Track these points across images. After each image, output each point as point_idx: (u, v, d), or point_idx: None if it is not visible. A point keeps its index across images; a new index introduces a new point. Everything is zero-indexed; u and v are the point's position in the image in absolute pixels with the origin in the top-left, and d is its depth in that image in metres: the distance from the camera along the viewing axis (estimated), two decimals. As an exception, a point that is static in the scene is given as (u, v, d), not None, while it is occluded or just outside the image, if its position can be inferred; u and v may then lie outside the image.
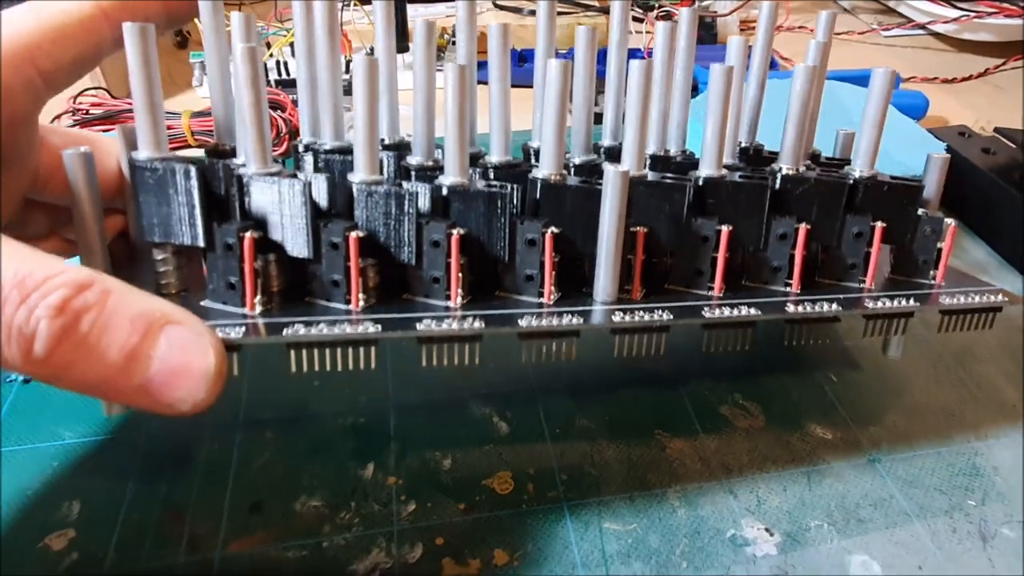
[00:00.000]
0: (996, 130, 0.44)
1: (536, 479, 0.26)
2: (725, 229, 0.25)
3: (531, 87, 0.28)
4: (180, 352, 0.17)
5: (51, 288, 0.15)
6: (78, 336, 0.15)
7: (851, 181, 0.27)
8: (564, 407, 0.29)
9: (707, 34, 0.60)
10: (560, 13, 0.62)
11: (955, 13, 0.58)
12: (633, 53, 0.47)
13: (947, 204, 0.41)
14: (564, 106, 0.23)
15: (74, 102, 0.48)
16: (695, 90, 0.47)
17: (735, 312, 0.25)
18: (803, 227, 0.26)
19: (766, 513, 0.25)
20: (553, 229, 0.23)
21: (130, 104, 0.45)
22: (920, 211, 0.28)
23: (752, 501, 0.26)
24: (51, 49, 0.21)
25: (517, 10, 0.64)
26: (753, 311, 0.25)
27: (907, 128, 0.42)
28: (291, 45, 0.54)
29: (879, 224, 0.26)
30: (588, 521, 0.25)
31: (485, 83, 0.27)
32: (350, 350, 0.22)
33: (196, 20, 0.25)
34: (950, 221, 0.27)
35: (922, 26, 0.62)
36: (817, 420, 0.29)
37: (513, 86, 0.27)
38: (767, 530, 0.25)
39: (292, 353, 0.22)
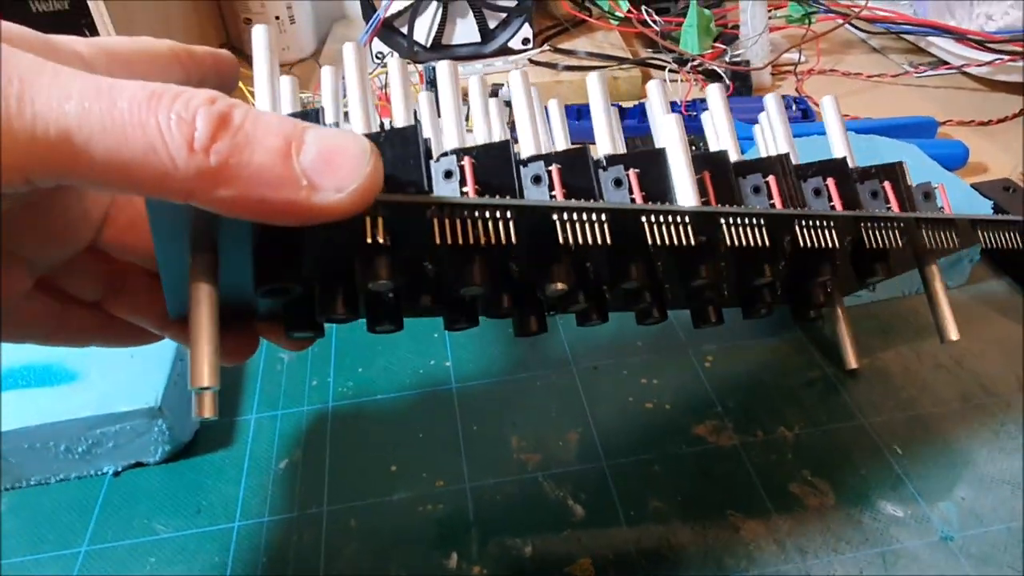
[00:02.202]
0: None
1: (616, 565, 0.27)
2: None
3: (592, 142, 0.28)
4: (331, 137, 0.16)
5: (194, 93, 0.15)
6: (234, 127, 0.15)
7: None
8: (635, 485, 0.30)
9: (742, 86, 0.61)
10: (593, 67, 0.64)
11: (988, 57, 0.58)
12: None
13: (996, 261, 0.41)
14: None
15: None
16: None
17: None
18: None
19: (845, 598, 0.26)
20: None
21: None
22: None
23: (830, 585, 0.26)
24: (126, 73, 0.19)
25: (552, 65, 0.65)
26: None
27: (951, 185, 0.43)
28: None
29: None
30: (672, 610, 0.26)
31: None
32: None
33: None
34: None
35: (956, 68, 0.63)
36: (886, 497, 0.30)
37: (575, 142, 0.28)
38: (848, 617, 0.25)
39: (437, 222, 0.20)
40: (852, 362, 0.35)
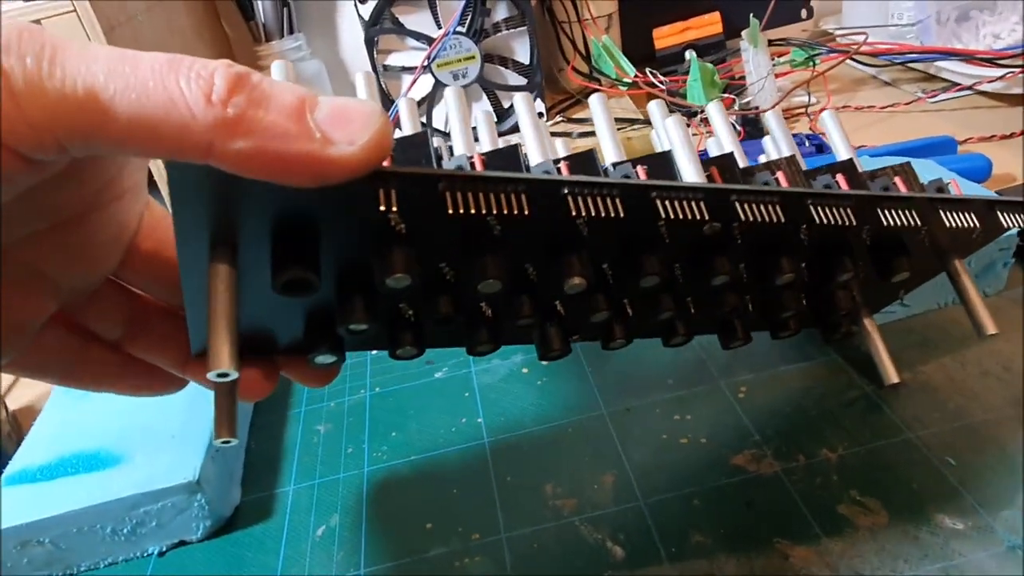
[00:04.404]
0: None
1: (660, 604, 0.26)
2: None
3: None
4: (343, 99, 0.17)
5: (212, 60, 0.16)
6: (251, 84, 0.16)
7: None
8: (675, 522, 0.29)
9: (753, 130, 0.62)
10: (607, 131, 0.65)
11: (999, 72, 0.58)
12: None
13: (1033, 264, 0.40)
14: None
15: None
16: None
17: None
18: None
19: (908, 618, 0.24)
20: None
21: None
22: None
23: (891, 606, 0.25)
24: None
25: (567, 133, 0.67)
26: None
27: (973, 193, 0.42)
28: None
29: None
30: (721, 644, 0.24)
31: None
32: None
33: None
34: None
35: (968, 87, 0.62)
36: (943, 510, 0.28)
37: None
38: (913, 637, 0.24)
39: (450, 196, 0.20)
40: (892, 376, 0.33)
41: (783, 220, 0.23)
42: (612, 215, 0.20)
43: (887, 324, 0.38)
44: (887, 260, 0.28)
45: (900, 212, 0.26)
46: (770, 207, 0.23)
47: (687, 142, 0.25)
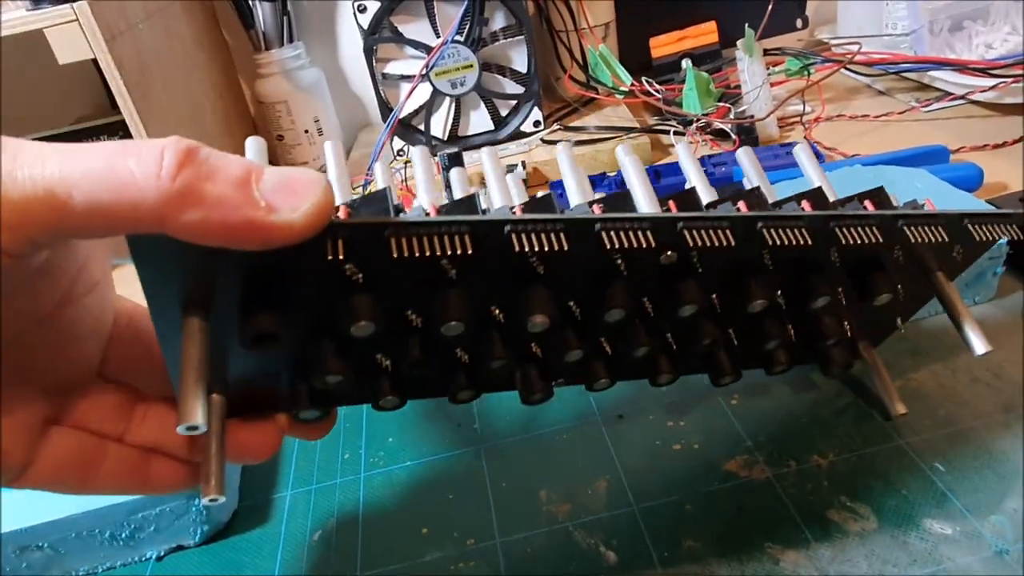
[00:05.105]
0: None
1: (652, 608, 0.26)
2: None
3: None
4: (288, 170, 0.18)
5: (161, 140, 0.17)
6: (199, 159, 0.17)
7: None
8: (667, 526, 0.30)
9: (748, 138, 0.62)
10: (603, 139, 0.66)
11: (991, 82, 0.59)
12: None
13: (1021, 268, 0.40)
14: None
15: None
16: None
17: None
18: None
19: (897, 622, 0.24)
20: None
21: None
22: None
23: (879, 610, 0.25)
24: None
25: (552, 142, 0.68)
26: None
27: (963, 203, 0.42)
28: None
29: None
30: (712, 648, 0.25)
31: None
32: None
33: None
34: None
35: (961, 97, 0.63)
36: (932, 515, 0.28)
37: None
38: (901, 641, 0.24)
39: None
40: (898, 409, 0.32)
41: (732, 244, 0.23)
42: (556, 248, 0.21)
43: (879, 331, 0.38)
44: (865, 282, 0.28)
45: (859, 230, 0.25)
46: (720, 232, 0.23)
47: (643, 179, 0.25)
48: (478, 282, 0.22)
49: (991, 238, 0.28)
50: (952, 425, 0.32)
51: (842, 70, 0.70)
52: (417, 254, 0.20)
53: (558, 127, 0.71)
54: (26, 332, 0.20)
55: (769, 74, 0.68)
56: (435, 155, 0.64)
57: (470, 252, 0.20)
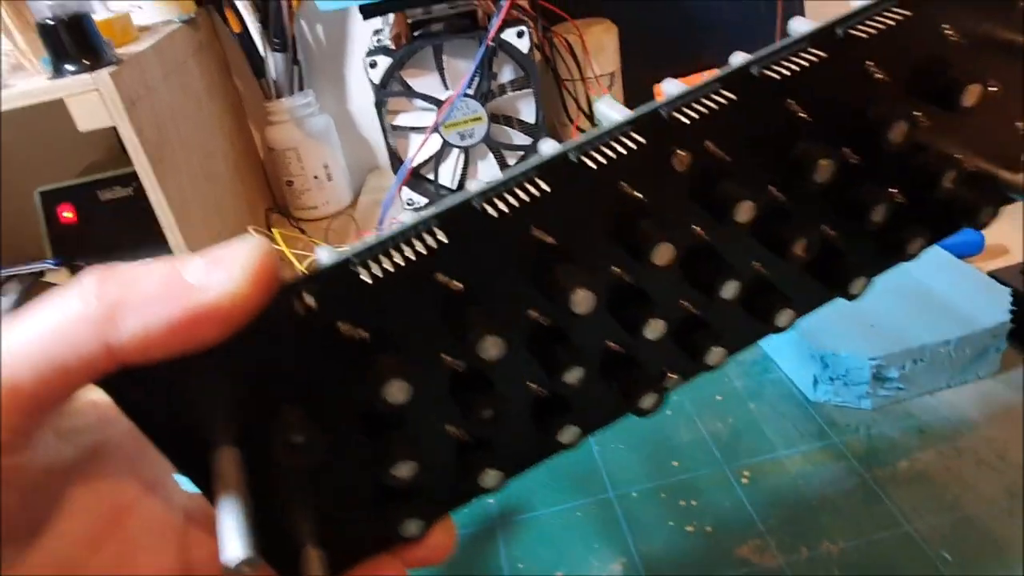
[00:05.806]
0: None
1: None
2: None
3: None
4: (217, 248, 0.17)
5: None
6: (117, 273, 0.16)
7: None
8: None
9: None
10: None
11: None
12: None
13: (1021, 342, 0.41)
14: None
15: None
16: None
17: None
18: None
19: None
20: None
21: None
22: None
23: None
24: None
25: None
26: None
27: (967, 276, 0.43)
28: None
29: None
30: None
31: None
32: None
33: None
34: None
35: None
36: (941, 609, 0.29)
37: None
38: None
39: None
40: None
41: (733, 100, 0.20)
42: (538, 195, 0.18)
43: (884, 406, 0.39)
44: (937, 84, 0.22)
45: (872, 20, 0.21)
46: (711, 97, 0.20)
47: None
48: (488, 287, 0.19)
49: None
50: (959, 510, 0.33)
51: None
52: (392, 269, 0.17)
53: (565, 176, 0.72)
54: (76, 560, 0.18)
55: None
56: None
57: (446, 242, 0.18)
